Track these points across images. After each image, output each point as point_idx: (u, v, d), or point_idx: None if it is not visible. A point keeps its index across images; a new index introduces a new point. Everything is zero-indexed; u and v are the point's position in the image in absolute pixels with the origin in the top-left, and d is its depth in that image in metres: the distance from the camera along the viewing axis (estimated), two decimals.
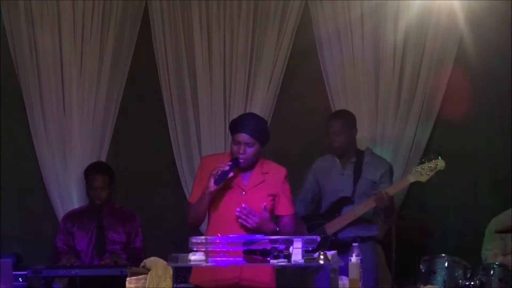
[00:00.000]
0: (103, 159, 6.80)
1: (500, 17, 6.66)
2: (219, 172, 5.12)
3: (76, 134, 6.79)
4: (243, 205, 5.12)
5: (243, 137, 5.17)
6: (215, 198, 5.21)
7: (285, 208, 5.31)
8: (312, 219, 6.16)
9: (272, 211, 5.29)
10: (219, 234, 4.87)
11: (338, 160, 6.21)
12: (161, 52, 6.82)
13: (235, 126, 5.23)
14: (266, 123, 5.39)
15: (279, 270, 5.34)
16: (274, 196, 5.27)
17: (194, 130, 6.81)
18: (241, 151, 5.16)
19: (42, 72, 6.77)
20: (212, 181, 5.11)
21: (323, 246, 5.72)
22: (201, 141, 6.80)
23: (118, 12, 6.78)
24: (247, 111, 6.67)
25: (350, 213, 6.03)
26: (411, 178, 5.98)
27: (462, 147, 6.72)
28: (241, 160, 5.18)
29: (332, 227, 6.05)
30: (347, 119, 6.22)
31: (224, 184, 5.16)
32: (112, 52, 6.79)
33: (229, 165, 5.15)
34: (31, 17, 6.73)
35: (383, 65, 6.71)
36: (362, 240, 5.96)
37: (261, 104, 6.78)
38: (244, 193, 5.22)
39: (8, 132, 6.86)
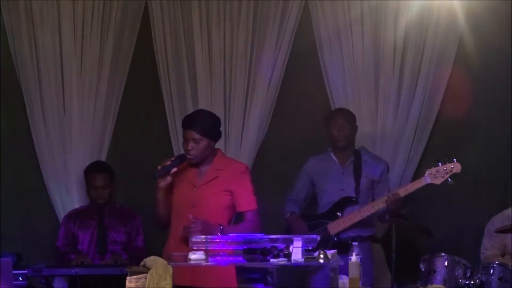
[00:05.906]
0: (103, 159, 6.80)
1: (500, 17, 6.65)
2: (160, 166, 5.24)
3: (76, 134, 6.79)
4: (190, 216, 5.12)
5: (190, 133, 5.27)
6: (171, 195, 5.32)
7: (244, 204, 5.30)
8: (311, 219, 6.14)
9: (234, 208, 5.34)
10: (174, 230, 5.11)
11: (336, 159, 6.21)
12: (161, 52, 6.82)
13: (184, 123, 5.34)
14: (216, 120, 5.40)
15: (280, 269, 5.34)
16: (230, 192, 5.28)
17: None
18: (188, 148, 5.26)
19: (42, 72, 6.77)
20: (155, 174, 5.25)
21: (325, 245, 5.74)
22: None
23: (118, 12, 6.78)
24: (247, 111, 6.70)
25: (356, 213, 5.99)
26: (425, 180, 5.93)
27: (462, 147, 6.72)
28: (189, 156, 5.28)
29: (335, 227, 6.01)
30: (350, 114, 6.28)
31: (179, 181, 5.29)
32: (112, 52, 6.79)
33: (171, 160, 5.26)
34: (31, 17, 6.73)
35: (383, 65, 6.71)
36: (361, 239, 5.97)
37: (261, 104, 6.77)
38: (195, 189, 5.28)
39: (8, 132, 6.86)
